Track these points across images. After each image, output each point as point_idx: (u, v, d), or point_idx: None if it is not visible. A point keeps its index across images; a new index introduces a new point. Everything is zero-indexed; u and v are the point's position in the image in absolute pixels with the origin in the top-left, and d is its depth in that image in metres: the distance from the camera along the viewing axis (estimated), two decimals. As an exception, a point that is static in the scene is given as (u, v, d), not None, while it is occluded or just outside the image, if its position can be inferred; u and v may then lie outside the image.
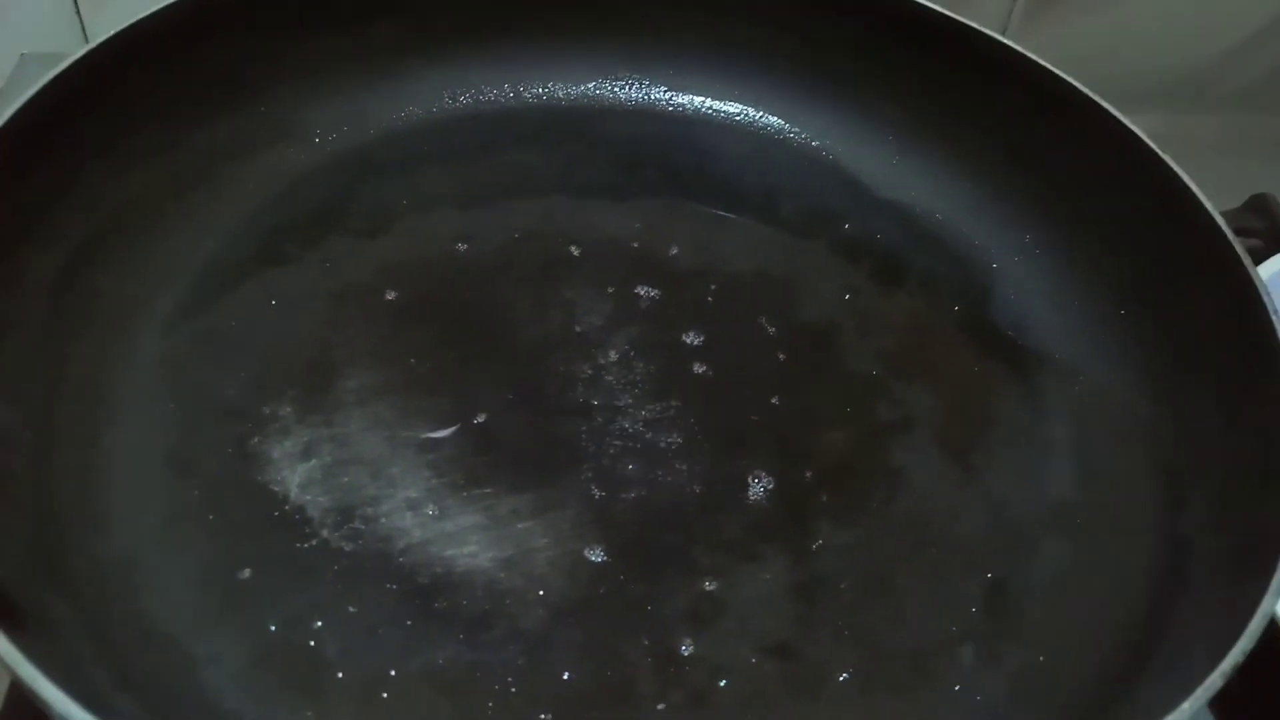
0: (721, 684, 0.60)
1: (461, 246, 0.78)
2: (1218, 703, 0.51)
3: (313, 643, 0.60)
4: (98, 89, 0.74)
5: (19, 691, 0.47)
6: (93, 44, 0.74)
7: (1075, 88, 0.81)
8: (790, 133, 0.93)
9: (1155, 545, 0.66)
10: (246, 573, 0.62)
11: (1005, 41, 0.84)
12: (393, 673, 0.59)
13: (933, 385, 0.76)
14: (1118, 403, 0.74)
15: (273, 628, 0.60)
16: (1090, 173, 0.81)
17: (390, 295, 0.76)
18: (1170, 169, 0.75)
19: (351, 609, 0.61)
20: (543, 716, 0.58)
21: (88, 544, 0.62)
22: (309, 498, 0.65)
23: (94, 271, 0.73)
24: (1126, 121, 0.78)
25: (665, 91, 0.94)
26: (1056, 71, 0.82)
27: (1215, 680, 0.50)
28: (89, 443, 0.66)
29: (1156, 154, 0.76)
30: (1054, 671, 0.62)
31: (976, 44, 0.85)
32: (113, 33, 0.75)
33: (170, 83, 0.79)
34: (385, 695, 0.58)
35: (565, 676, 0.60)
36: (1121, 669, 0.60)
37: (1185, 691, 0.50)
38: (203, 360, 0.72)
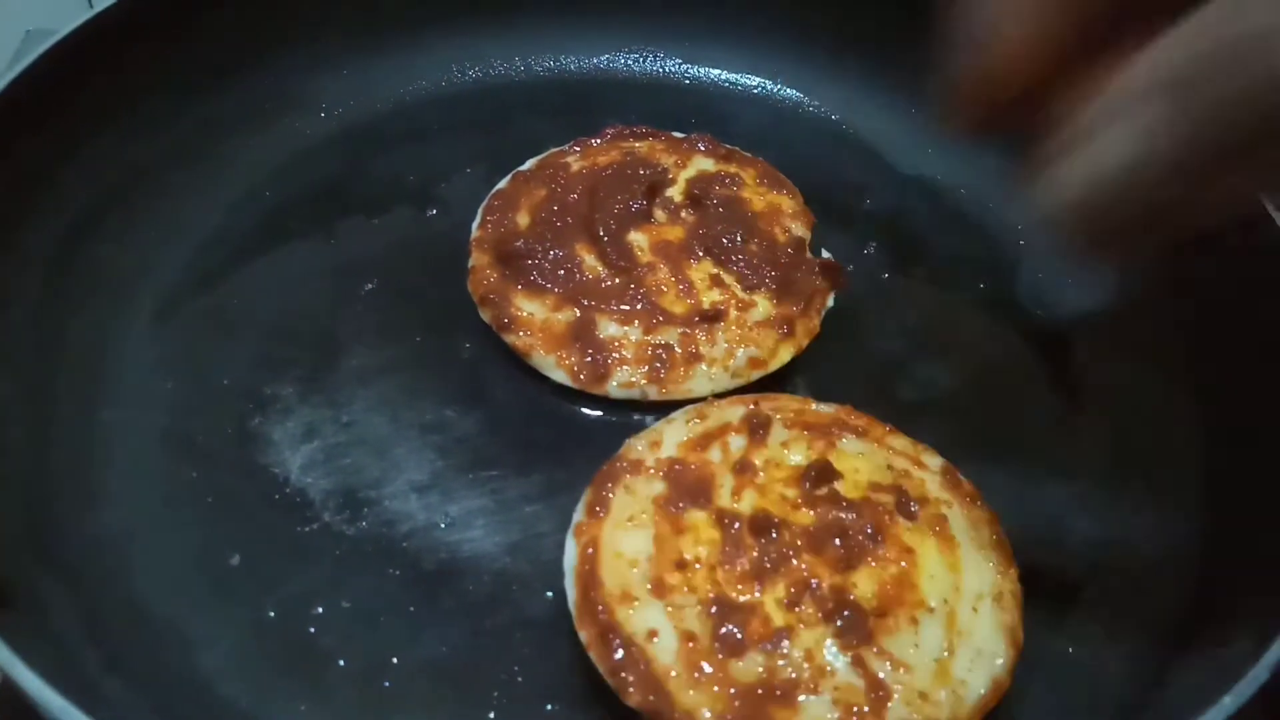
0: (736, 673, 0.58)
1: (471, 221, 0.75)
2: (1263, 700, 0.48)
3: (312, 629, 0.58)
4: (100, 58, 0.73)
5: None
6: (94, 11, 0.73)
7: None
8: (810, 106, 0.90)
9: (1192, 531, 0.63)
10: (244, 556, 0.60)
11: (1034, 10, 0.81)
12: (395, 660, 0.57)
13: (958, 365, 0.73)
14: (1151, 384, 0.71)
15: (271, 613, 0.58)
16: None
17: (396, 271, 0.74)
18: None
19: (353, 595, 0.59)
20: (550, 707, 0.56)
21: (82, 522, 0.60)
22: (310, 480, 0.63)
23: (94, 244, 0.71)
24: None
25: (680, 64, 0.92)
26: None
27: (1260, 673, 0.47)
28: (86, 418, 0.65)
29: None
30: (1087, 661, 0.59)
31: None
32: (115, 0, 0.73)
33: (174, 53, 0.78)
34: (387, 684, 0.56)
35: (574, 666, 0.57)
36: (1158, 659, 0.57)
37: (1226, 684, 0.47)
38: (204, 337, 0.70)
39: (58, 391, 0.65)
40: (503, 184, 0.77)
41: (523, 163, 0.79)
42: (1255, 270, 0.67)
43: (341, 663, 0.57)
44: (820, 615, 0.54)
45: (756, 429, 0.63)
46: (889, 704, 0.52)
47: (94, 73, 0.73)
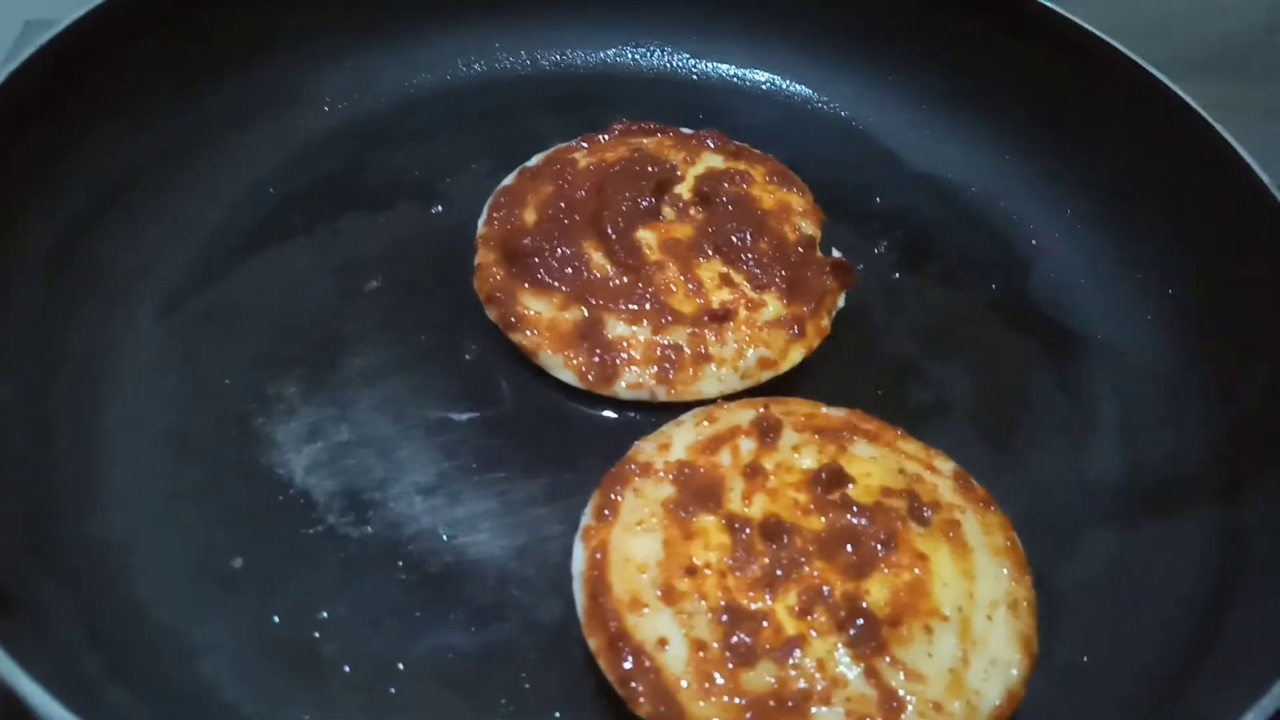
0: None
1: (476, 218, 0.74)
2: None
3: (317, 634, 0.57)
4: (99, 52, 0.72)
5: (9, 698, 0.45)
6: (93, 4, 0.72)
7: (1120, 53, 0.77)
8: (819, 102, 0.89)
9: (1209, 539, 0.63)
10: (248, 559, 0.59)
11: (1046, 3, 0.80)
12: (400, 666, 0.56)
13: (969, 366, 0.72)
14: (1166, 387, 0.70)
15: (275, 618, 0.57)
16: (1137, 144, 0.77)
17: (401, 269, 0.73)
18: (1223, 139, 0.71)
19: (358, 599, 0.58)
20: (558, 714, 0.56)
21: (83, 527, 0.59)
22: (314, 481, 0.63)
23: (93, 242, 0.70)
24: (1176, 89, 0.74)
25: (689, 59, 0.91)
26: (1101, 35, 0.78)
27: (1280, 689, 0.47)
28: (87, 421, 0.64)
29: (1208, 123, 0.72)
30: (1100, 671, 0.58)
31: (1015, 7, 0.81)
32: (113, -8, 0.72)
33: (174, 47, 0.76)
34: (392, 690, 0.55)
35: (582, 672, 0.57)
36: (1174, 671, 0.57)
37: (1248, 700, 0.47)
38: (206, 336, 0.69)
39: (58, 393, 0.64)
40: (509, 180, 0.76)
41: (529, 159, 0.78)
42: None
43: (346, 669, 0.56)
44: (832, 623, 0.54)
45: (767, 433, 0.62)
46: (902, 715, 0.52)
47: (92, 67, 0.72)
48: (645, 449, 0.62)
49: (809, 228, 0.74)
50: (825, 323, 0.71)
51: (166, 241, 0.73)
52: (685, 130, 0.80)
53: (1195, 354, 0.71)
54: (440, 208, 0.78)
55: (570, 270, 0.70)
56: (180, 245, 0.73)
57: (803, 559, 0.56)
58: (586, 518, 0.59)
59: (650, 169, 0.74)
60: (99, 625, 0.56)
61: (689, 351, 0.67)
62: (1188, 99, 0.73)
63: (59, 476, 0.61)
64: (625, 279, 0.69)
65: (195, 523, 0.61)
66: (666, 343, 0.67)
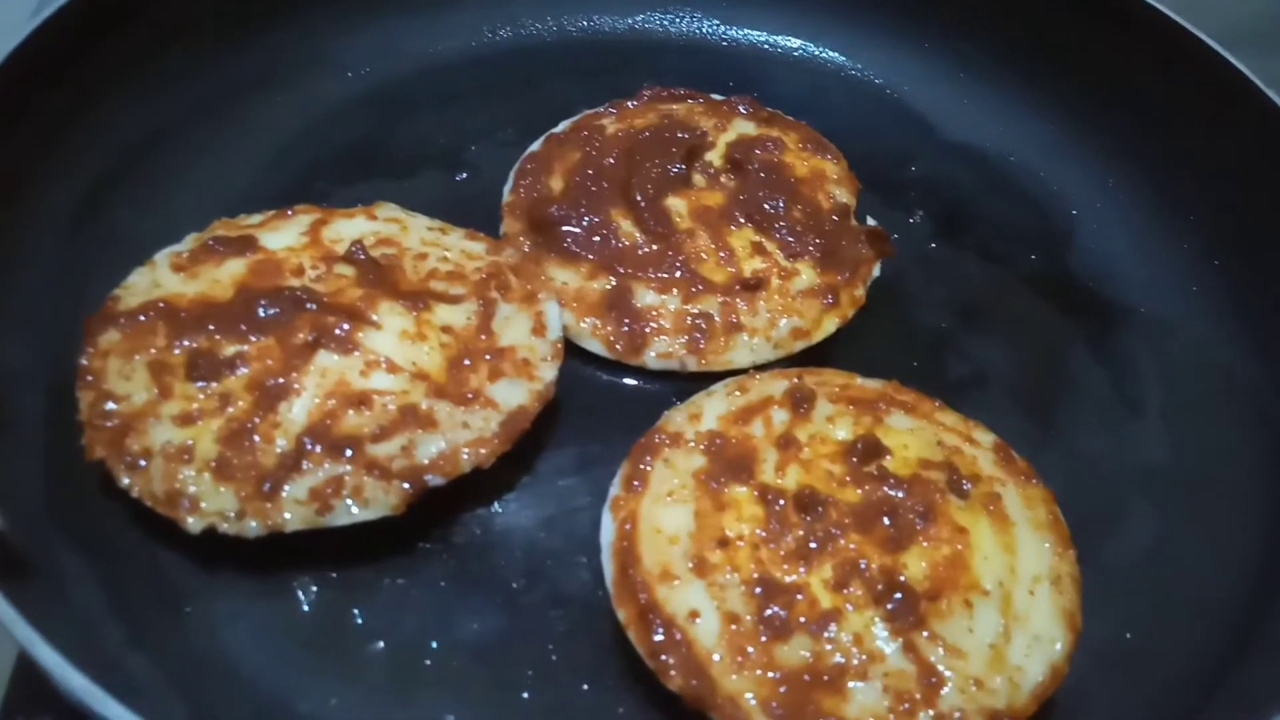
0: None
1: (502, 186, 0.73)
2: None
3: (339, 604, 0.56)
4: (123, 11, 0.71)
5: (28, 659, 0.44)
6: (115, -35, 0.70)
7: (1169, 18, 0.75)
8: (852, 69, 0.87)
9: (1258, 516, 0.61)
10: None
11: (1088, -33, 0.78)
12: (426, 638, 0.55)
13: (1007, 339, 0.71)
14: (1212, 360, 0.69)
15: (300, 591, 0.56)
16: (1182, 112, 0.75)
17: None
18: (1275, 105, 0.69)
19: (384, 569, 0.57)
20: (585, 687, 0.54)
21: (101, 492, 0.58)
22: (337, 448, 0.61)
23: (115, 205, 0.69)
24: (1227, 55, 0.72)
25: (718, 25, 0.89)
26: (1149, 1, 0.75)
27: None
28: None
29: (1259, 89, 0.70)
30: (1145, 649, 0.57)
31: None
32: (137, -45, 0.71)
33: (198, 7, 0.75)
34: (419, 663, 0.54)
35: (611, 645, 0.55)
36: (1220, 650, 0.55)
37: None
38: (227, 302, 0.68)
39: (77, 356, 0.63)
40: (535, 147, 0.74)
41: (555, 126, 0.76)
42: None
43: (376, 643, 0.55)
44: (869, 597, 0.52)
45: (800, 403, 0.60)
46: (942, 691, 0.50)
47: (114, 28, 0.71)
48: (675, 419, 0.61)
49: (843, 196, 0.72)
50: (860, 292, 0.69)
51: (187, 207, 0.71)
52: (716, 96, 0.78)
53: (1241, 327, 0.69)
54: (465, 175, 0.77)
55: (598, 239, 0.68)
56: (201, 211, 0.71)
57: (838, 531, 0.54)
58: (615, 488, 0.58)
59: (680, 135, 0.73)
60: (120, 592, 0.55)
61: (720, 321, 0.66)
62: (1239, 65, 0.71)
63: (77, 440, 0.60)
64: (655, 247, 0.68)
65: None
66: (697, 312, 0.66)
